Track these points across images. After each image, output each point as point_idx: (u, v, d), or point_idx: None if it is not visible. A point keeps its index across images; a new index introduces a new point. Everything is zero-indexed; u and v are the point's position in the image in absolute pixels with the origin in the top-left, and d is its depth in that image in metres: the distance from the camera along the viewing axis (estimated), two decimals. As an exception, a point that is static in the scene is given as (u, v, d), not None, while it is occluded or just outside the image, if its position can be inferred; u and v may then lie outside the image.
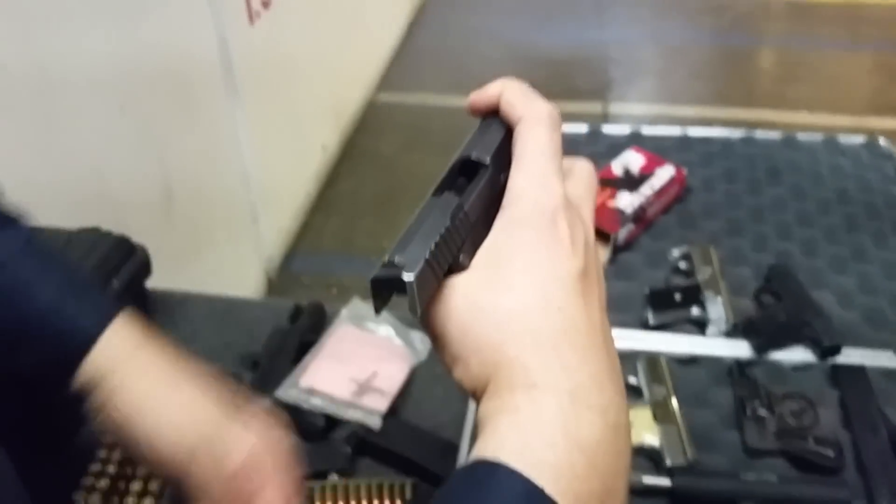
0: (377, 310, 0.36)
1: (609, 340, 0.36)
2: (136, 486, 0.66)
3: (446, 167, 0.42)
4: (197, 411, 0.55)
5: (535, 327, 0.34)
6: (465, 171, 0.42)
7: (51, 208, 1.17)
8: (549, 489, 0.31)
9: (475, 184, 0.41)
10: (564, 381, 0.33)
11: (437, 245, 0.36)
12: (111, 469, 0.67)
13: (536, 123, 0.40)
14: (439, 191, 0.40)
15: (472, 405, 0.78)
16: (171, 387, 0.56)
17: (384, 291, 0.36)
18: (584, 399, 0.33)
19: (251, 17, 1.85)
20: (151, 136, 1.48)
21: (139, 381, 0.54)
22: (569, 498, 0.31)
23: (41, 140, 1.17)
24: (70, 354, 0.54)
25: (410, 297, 0.35)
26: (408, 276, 0.35)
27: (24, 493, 0.46)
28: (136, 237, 0.89)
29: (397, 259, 0.35)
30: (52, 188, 1.18)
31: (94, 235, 0.81)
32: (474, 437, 0.35)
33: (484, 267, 0.37)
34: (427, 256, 0.36)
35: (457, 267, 0.38)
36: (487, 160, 0.41)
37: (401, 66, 3.12)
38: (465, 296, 0.36)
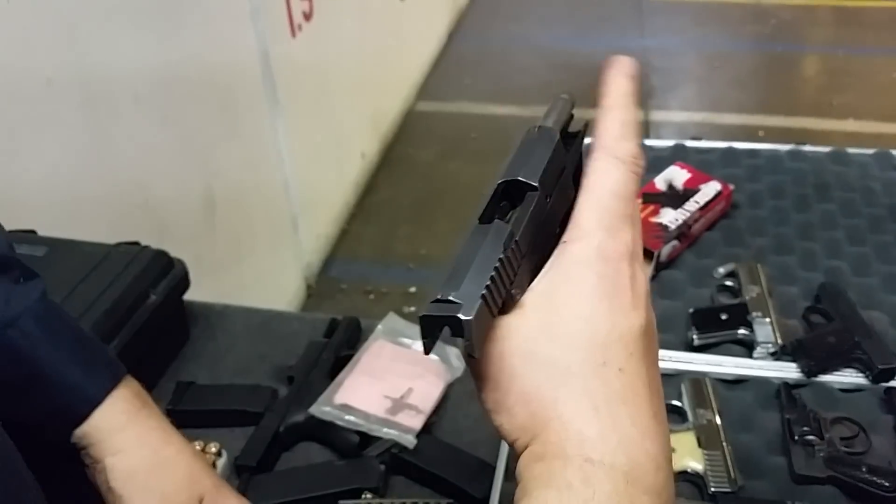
0: (427, 350, 0.33)
1: (663, 405, 0.34)
2: None
3: (489, 189, 0.39)
4: (188, 482, 0.58)
5: (593, 388, 0.32)
6: (510, 192, 0.39)
7: (95, 219, 1.19)
8: None
9: (524, 209, 0.38)
10: (622, 458, 0.31)
11: (492, 279, 0.34)
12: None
13: (620, 162, 0.37)
14: (486, 216, 0.37)
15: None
16: (163, 460, 0.59)
17: (436, 330, 0.33)
18: (641, 481, 0.31)
19: (293, 29, 1.87)
20: (194, 147, 1.50)
21: (133, 451, 0.58)
22: None
23: (86, 152, 1.19)
24: (71, 416, 0.56)
25: (468, 338, 0.32)
26: (465, 316, 0.32)
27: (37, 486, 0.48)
28: (179, 246, 0.90)
29: (452, 296, 0.33)
30: (96, 199, 1.20)
31: (132, 249, 0.82)
32: (510, 460, 0.33)
33: (541, 309, 0.34)
34: (483, 292, 0.33)
35: (509, 301, 0.35)
36: (536, 182, 0.38)
37: (440, 75, 3.12)
38: (519, 341, 0.33)
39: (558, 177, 0.41)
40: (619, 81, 0.40)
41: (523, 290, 0.37)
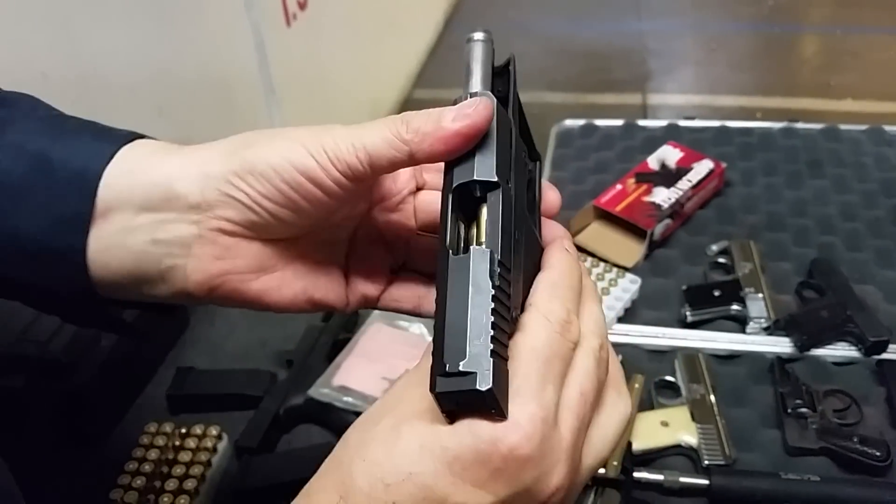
0: (452, 421, 0.33)
1: None
2: (171, 484, 0.67)
3: (444, 200, 0.35)
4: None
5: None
6: (466, 195, 0.35)
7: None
8: None
9: (492, 214, 0.34)
10: None
11: (493, 326, 0.31)
12: (147, 467, 0.68)
13: (546, 321, 0.35)
14: (453, 241, 0.34)
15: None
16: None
17: (455, 403, 0.32)
18: None
19: (288, 19, 1.87)
20: (190, 138, 1.49)
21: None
22: None
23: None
24: (88, 177, 0.41)
25: (491, 406, 0.31)
26: (483, 384, 0.30)
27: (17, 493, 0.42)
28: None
29: (461, 365, 0.30)
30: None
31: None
32: None
33: (395, 419, 0.36)
34: (491, 347, 0.30)
35: (515, 325, 0.34)
36: (495, 178, 0.34)
37: (437, 63, 3.11)
38: (361, 430, 0.38)
39: (510, 146, 0.37)
40: (559, 254, 0.39)
41: (522, 298, 0.35)
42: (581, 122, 1.21)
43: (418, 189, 0.45)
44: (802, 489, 0.67)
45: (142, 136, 0.43)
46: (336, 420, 0.76)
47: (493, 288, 0.31)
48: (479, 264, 0.32)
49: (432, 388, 0.32)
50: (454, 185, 0.35)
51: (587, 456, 0.37)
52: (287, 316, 0.91)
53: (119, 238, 0.40)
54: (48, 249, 0.40)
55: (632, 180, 1.00)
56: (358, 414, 0.74)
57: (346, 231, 0.45)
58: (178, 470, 0.69)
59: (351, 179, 0.38)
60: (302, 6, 1.93)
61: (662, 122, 1.19)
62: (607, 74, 2.94)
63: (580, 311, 0.38)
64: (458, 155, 0.36)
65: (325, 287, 0.44)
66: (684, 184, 0.99)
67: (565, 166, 1.12)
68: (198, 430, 0.73)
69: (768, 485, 0.68)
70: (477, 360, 0.30)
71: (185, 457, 0.70)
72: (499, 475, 0.32)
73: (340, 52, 2.25)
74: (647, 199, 0.97)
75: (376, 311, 0.87)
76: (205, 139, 0.51)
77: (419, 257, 0.46)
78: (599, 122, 1.20)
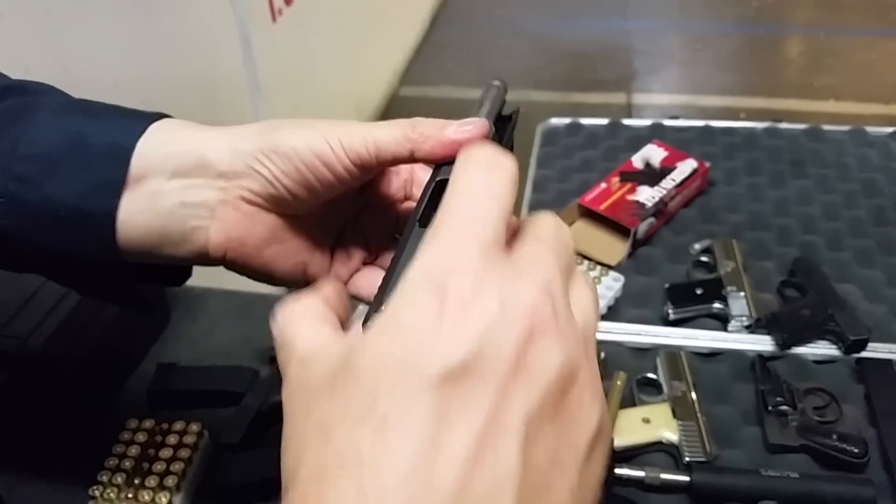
0: None
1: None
2: (152, 480, 0.67)
3: (425, 188, 0.40)
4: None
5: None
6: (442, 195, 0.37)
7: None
8: None
9: None
10: None
11: None
12: (128, 464, 0.68)
13: (465, 163, 0.33)
14: (424, 219, 0.37)
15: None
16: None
17: None
18: None
19: (273, 14, 1.86)
20: (174, 133, 1.49)
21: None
22: None
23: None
24: (119, 152, 0.45)
25: None
26: None
27: None
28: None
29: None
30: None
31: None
32: None
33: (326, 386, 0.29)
34: None
35: None
36: None
37: (423, 60, 3.12)
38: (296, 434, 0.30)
39: None
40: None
41: None
42: (566, 120, 1.21)
43: (406, 198, 0.51)
44: (782, 486, 0.68)
45: (167, 116, 0.48)
46: (319, 417, 0.76)
47: None
48: None
49: (364, 324, 0.31)
50: (438, 178, 0.40)
51: (573, 302, 0.31)
52: (270, 312, 0.91)
53: (149, 201, 0.45)
54: (79, 212, 0.44)
55: (616, 179, 1.01)
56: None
57: (340, 220, 0.51)
58: (159, 466, 0.68)
59: (358, 167, 0.43)
60: (288, 2, 1.92)
61: (647, 122, 1.19)
62: (593, 74, 2.95)
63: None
64: (450, 159, 0.41)
65: (317, 264, 0.50)
66: (668, 183, 1.00)
67: (550, 164, 1.12)
68: (179, 426, 0.73)
69: (748, 481, 0.68)
70: None
71: (166, 453, 0.70)
72: (459, 318, 0.27)
73: (326, 47, 2.24)
74: (631, 197, 0.98)
75: (360, 307, 0.87)
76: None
77: (387, 256, 0.52)
78: (585, 121, 1.21)
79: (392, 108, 2.82)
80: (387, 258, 0.51)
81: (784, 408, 0.75)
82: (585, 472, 0.29)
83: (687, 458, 0.71)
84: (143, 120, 0.46)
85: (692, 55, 3.14)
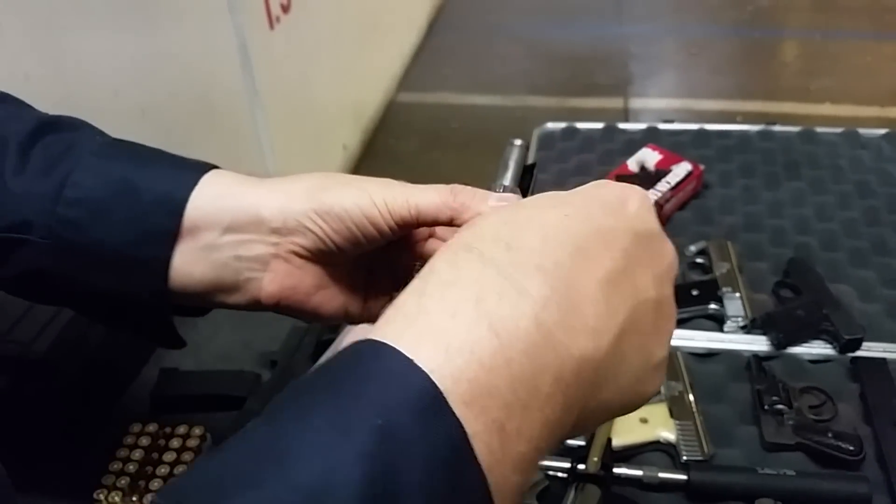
0: None
1: (610, 295, 0.34)
2: (155, 483, 0.68)
3: None
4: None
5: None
6: None
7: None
8: (439, 367, 0.27)
9: None
10: (502, 252, 0.32)
11: None
12: (131, 467, 0.69)
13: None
14: None
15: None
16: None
17: None
18: (518, 279, 0.31)
19: (271, 21, 1.87)
20: (174, 140, 1.50)
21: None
22: (462, 385, 0.27)
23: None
24: (172, 204, 0.47)
25: None
26: None
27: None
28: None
29: None
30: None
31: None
32: None
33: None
34: None
35: None
36: None
37: (420, 66, 3.13)
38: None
39: None
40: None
41: None
42: (562, 125, 1.22)
43: (430, 236, 0.53)
44: (779, 483, 0.68)
45: (214, 166, 0.51)
46: (320, 419, 0.76)
47: None
48: None
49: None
50: None
51: None
52: (271, 317, 0.91)
53: (204, 253, 0.47)
54: (131, 258, 0.47)
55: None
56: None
57: (370, 260, 0.53)
58: (162, 470, 0.69)
59: (400, 226, 0.46)
60: (285, 9, 1.94)
61: (642, 126, 1.20)
62: (589, 78, 2.96)
63: None
64: None
65: (355, 302, 0.52)
66: (663, 185, 1.01)
67: (547, 168, 1.14)
68: (182, 430, 0.73)
69: (745, 479, 0.69)
70: None
71: (169, 457, 0.70)
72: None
73: (324, 54, 2.25)
74: (627, 200, 0.98)
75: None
76: (188, 140, 0.52)
77: None
78: (580, 126, 1.22)
79: (390, 115, 2.83)
80: None
81: (780, 407, 0.76)
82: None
83: (684, 457, 0.72)
84: (194, 171, 0.48)
85: (688, 59, 3.15)
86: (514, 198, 0.46)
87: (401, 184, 0.48)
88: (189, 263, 0.47)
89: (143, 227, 0.46)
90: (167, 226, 0.46)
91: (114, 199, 0.46)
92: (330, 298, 0.51)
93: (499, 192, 0.47)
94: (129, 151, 0.50)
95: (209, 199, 0.47)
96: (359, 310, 0.53)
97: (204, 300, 0.50)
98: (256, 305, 0.49)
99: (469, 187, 0.46)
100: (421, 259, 0.53)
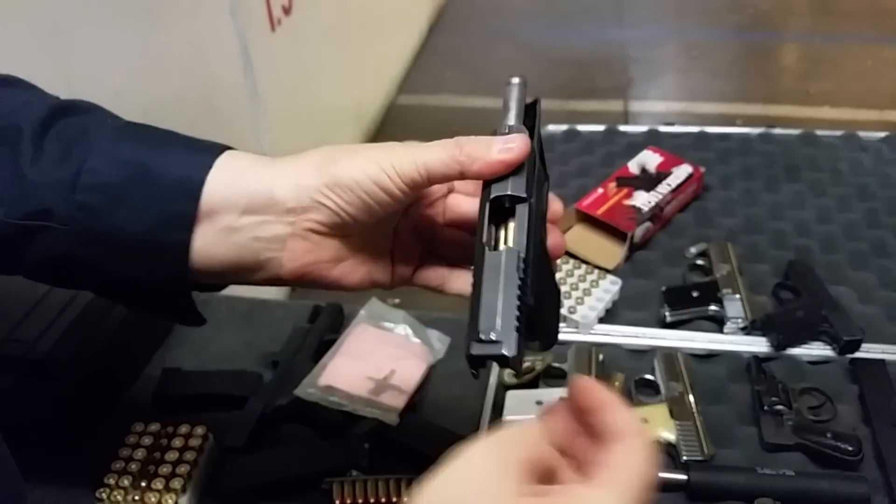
0: (476, 377, 0.40)
1: None
2: (158, 483, 0.68)
3: (482, 208, 0.44)
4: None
5: None
6: (499, 205, 0.44)
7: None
8: None
9: (520, 223, 0.43)
10: None
11: (518, 309, 0.39)
12: (134, 466, 0.69)
13: (639, 446, 0.39)
14: (490, 240, 0.42)
15: (487, 403, 0.78)
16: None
17: (482, 364, 0.39)
18: None
19: (273, 24, 1.88)
20: (175, 142, 1.50)
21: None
22: None
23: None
24: (188, 188, 0.48)
25: (514, 366, 0.39)
26: (509, 352, 0.38)
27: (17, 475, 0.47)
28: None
29: (493, 335, 0.38)
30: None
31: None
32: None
33: None
34: (516, 325, 0.39)
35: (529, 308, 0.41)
36: (525, 194, 0.43)
37: (421, 69, 3.13)
38: None
39: (534, 168, 0.46)
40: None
41: (534, 290, 0.41)
42: (563, 127, 1.22)
43: (449, 192, 0.54)
44: (778, 483, 0.69)
45: (227, 147, 0.51)
46: (322, 419, 0.77)
47: (518, 279, 0.40)
48: (510, 261, 0.41)
49: (467, 351, 0.38)
50: (492, 196, 0.44)
51: None
52: (273, 317, 0.92)
53: (223, 235, 0.48)
54: (151, 243, 0.47)
55: (613, 184, 1.02)
56: (345, 413, 0.76)
57: (393, 224, 0.53)
58: (165, 468, 0.70)
59: (412, 188, 0.47)
60: (287, 11, 1.94)
61: (643, 128, 1.21)
62: (590, 82, 2.97)
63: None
64: (497, 175, 0.45)
65: (380, 270, 0.53)
66: (664, 188, 1.01)
67: (548, 170, 1.14)
68: (184, 429, 0.74)
69: (745, 479, 0.69)
70: (506, 332, 0.38)
71: (171, 456, 0.71)
72: None
73: (325, 57, 2.26)
74: (627, 202, 0.99)
75: (362, 312, 0.88)
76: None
77: (444, 247, 0.55)
78: (581, 128, 1.22)
79: (390, 117, 2.83)
80: (442, 248, 0.55)
81: (780, 407, 0.76)
82: None
83: (684, 458, 0.72)
84: (208, 153, 0.49)
85: (688, 63, 3.16)
86: (519, 138, 0.45)
87: (406, 144, 0.48)
88: (210, 245, 0.48)
89: (161, 211, 0.47)
90: (186, 210, 0.47)
91: (130, 183, 0.47)
92: (352, 270, 0.52)
93: (504, 133, 0.46)
94: (143, 134, 0.50)
95: (225, 182, 0.48)
96: (386, 276, 0.54)
97: (225, 279, 0.51)
98: (278, 282, 0.50)
99: (473, 137, 0.46)
100: (448, 220, 0.54)
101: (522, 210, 0.43)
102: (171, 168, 0.48)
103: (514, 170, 0.45)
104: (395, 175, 0.46)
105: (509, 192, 0.44)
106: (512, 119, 0.47)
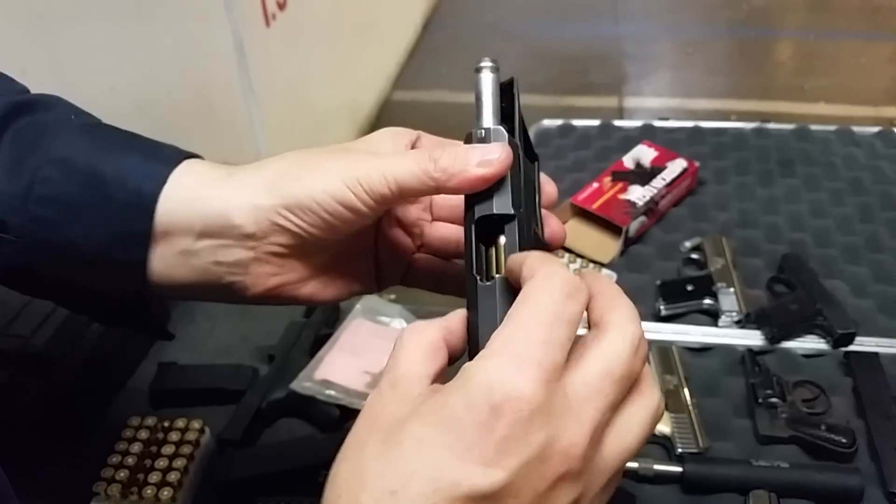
0: None
1: None
2: (154, 476, 0.68)
3: (467, 231, 0.40)
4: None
5: None
6: (488, 224, 0.40)
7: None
8: None
9: (510, 240, 0.39)
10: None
11: None
12: (130, 460, 0.69)
13: (546, 281, 0.35)
14: (480, 269, 0.39)
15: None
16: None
17: None
18: None
19: (267, 19, 1.87)
20: (169, 138, 1.49)
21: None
22: None
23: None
24: (143, 202, 0.45)
25: None
26: None
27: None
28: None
29: None
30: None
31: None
32: None
33: (382, 433, 0.34)
34: None
35: None
36: (512, 210, 0.40)
37: (416, 65, 3.13)
38: (349, 459, 0.35)
39: (519, 169, 0.42)
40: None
41: None
42: (559, 122, 1.23)
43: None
44: (772, 475, 0.69)
45: (188, 155, 0.48)
46: (318, 413, 0.77)
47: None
48: (503, 294, 0.38)
49: None
50: (476, 218, 0.40)
51: (610, 443, 0.36)
52: (269, 312, 0.92)
53: (182, 258, 0.46)
54: (108, 259, 0.45)
55: (608, 179, 1.03)
56: (341, 407, 0.76)
57: (370, 232, 0.50)
58: (161, 462, 0.69)
59: (380, 203, 0.43)
60: (281, 6, 1.94)
61: (638, 123, 1.21)
62: (584, 77, 2.97)
63: (611, 304, 0.38)
64: (477, 191, 0.41)
65: (360, 279, 0.50)
66: (658, 182, 1.01)
67: (543, 165, 1.12)
68: (181, 423, 0.74)
69: (739, 471, 0.69)
70: None
71: (168, 450, 0.71)
72: (505, 445, 0.31)
73: (320, 52, 2.25)
74: (622, 196, 0.99)
75: (357, 307, 0.88)
76: (183, 137, 0.52)
77: (435, 242, 0.51)
78: (576, 123, 1.22)
79: (385, 113, 2.83)
80: (433, 244, 0.51)
81: (774, 400, 0.76)
82: None
83: (679, 450, 0.72)
84: (164, 164, 0.46)
85: (683, 59, 3.16)
86: (499, 148, 0.40)
87: (375, 155, 0.44)
88: (169, 267, 0.46)
89: (115, 227, 0.45)
90: (139, 228, 0.45)
91: (85, 197, 0.44)
92: (325, 285, 0.48)
93: (480, 134, 0.42)
94: (102, 137, 0.47)
95: (180, 200, 0.45)
96: (370, 284, 0.50)
97: (192, 297, 0.49)
98: (247, 302, 0.48)
99: (448, 148, 0.42)
100: (436, 214, 0.50)
101: (511, 228, 0.39)
102: (125, 180, 0.45)
103: (499, 183, 0.41)
104: (362, 191, 0.42)
105: (494, 212, 0.40)
106: (488, 119, 0.42)
